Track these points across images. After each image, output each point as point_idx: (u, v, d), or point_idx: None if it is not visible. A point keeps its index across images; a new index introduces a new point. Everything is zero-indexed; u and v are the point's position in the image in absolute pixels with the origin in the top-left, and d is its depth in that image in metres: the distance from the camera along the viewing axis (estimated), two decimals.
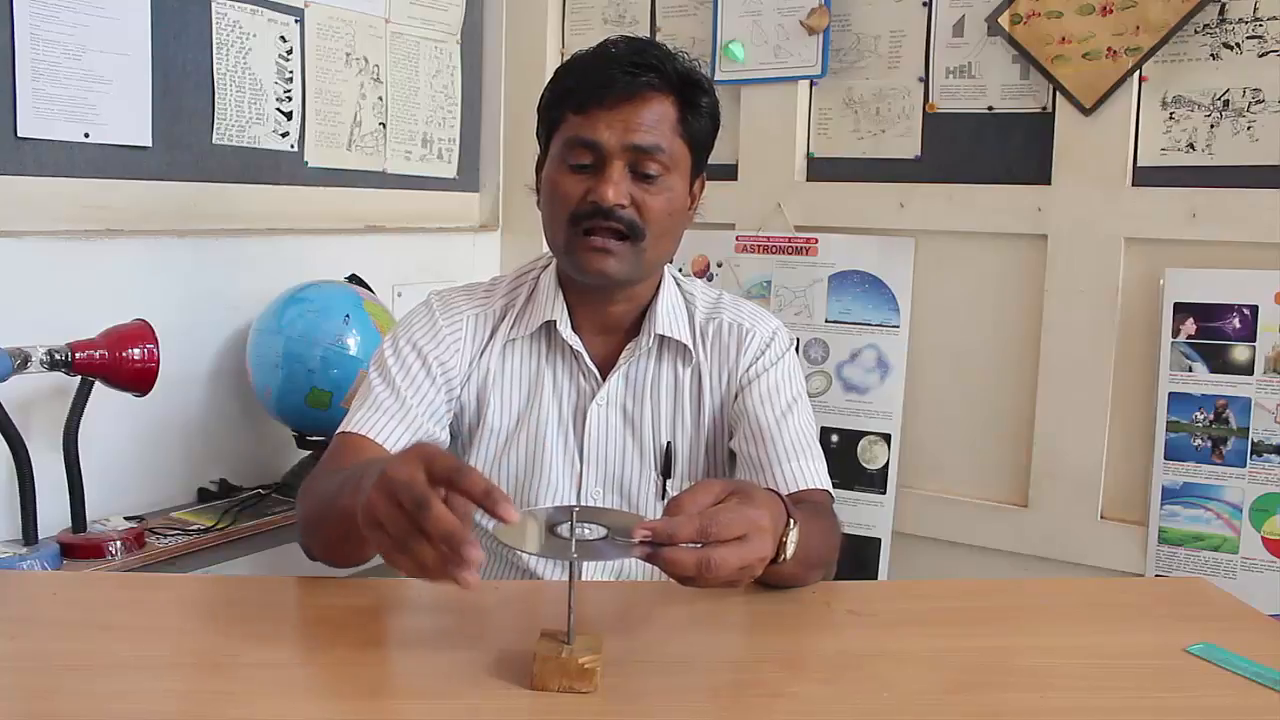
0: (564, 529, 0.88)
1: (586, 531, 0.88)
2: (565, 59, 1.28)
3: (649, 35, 2.50)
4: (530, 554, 0.85)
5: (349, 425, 1.25)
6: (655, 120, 1.20)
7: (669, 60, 1.23)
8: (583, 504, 1.26)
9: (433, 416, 1.28)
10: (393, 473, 0.86)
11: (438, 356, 1.29)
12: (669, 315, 1.31)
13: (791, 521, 1.00)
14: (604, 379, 1.31)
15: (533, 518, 0.92)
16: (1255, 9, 1.89)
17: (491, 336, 1.32)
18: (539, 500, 1.29)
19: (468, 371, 1.31)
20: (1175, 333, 1.96)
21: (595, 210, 1.20)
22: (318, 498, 1.12)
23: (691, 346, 1.32)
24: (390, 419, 1.24)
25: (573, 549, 0.86)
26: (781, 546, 0.99)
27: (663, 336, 1.31)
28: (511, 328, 1.32)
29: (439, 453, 0.87)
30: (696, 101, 1.24)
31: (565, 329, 1.29)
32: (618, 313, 1.31)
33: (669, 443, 1.31)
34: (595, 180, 1.20)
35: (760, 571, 0.94)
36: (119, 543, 1.72)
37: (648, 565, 1.28)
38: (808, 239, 2.31)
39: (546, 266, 1.34)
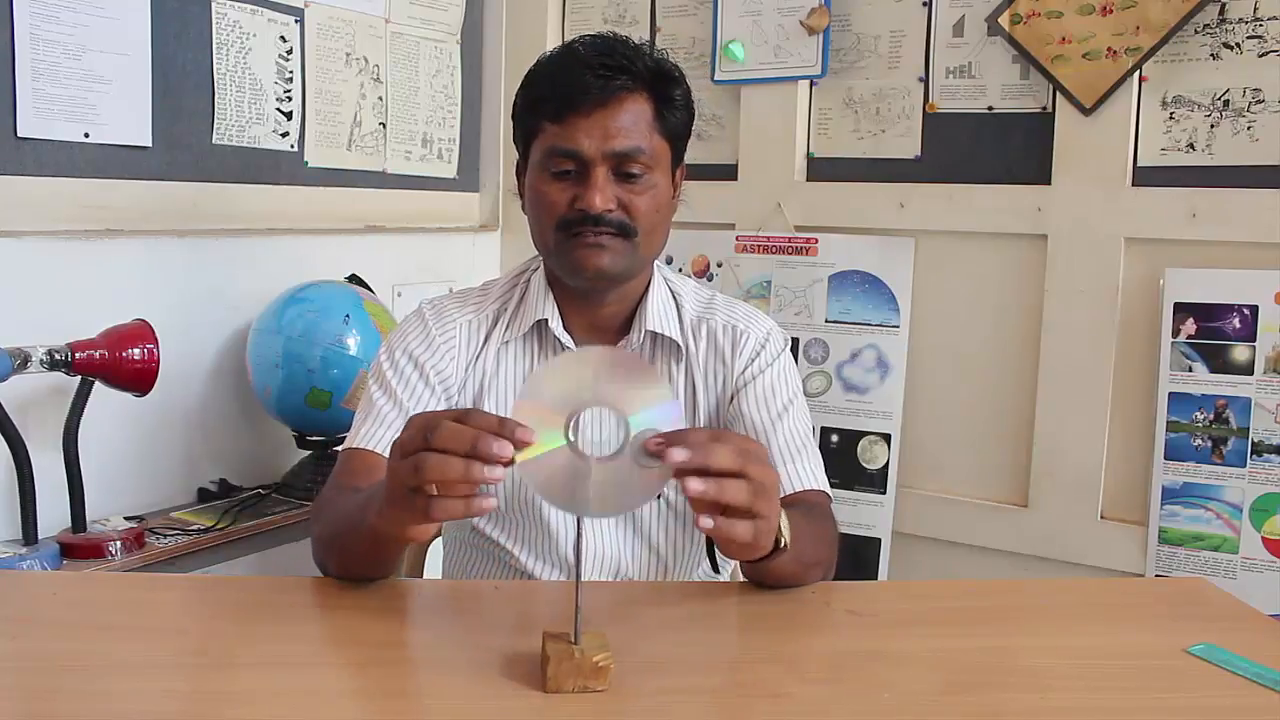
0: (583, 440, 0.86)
1: (602, 436, 0.87)
2: (534, 62, 1.27)
3: (649, 35, 2.50)
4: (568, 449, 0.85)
5: (354, 441, 1.26)
6: (632, 122, 1.20)
7: (639, 57, 1.22)
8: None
9: None
10: (400, 439, 0.91)
11: (434, 365, 1.30)
12: (659, 312, 1.31)
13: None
14: None
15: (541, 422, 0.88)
16: (1255, 9, 1.89)
17: (486, 341, 1.32)
18: (535, 500, 1.29)
19: (464, 378, 1.31)
20: (1175, 333, 1.96)
21: (584, 217, 1.20)
22: (334, 518, 1.13)
23: (682, 343, 1.32)
24: (395, 432, 1.24)
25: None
26: (779, 531, 1.01)
27: (654, 334, 1.31)
28: (505, 330, 1.32)
29: (437, 412, 0.92)
30: (670, 95, 1.24)
31: (557, 327, 1.29)
32: (608, 312, 1.31)
33: None
34: (580, 187, 1.20)
35: (774, 512, 0.95)
36: (119, 543, 1.72)
37: (645, 564, 1.31)
38: (808, 239, 2.31)
39: (538, 268, 1.34)
